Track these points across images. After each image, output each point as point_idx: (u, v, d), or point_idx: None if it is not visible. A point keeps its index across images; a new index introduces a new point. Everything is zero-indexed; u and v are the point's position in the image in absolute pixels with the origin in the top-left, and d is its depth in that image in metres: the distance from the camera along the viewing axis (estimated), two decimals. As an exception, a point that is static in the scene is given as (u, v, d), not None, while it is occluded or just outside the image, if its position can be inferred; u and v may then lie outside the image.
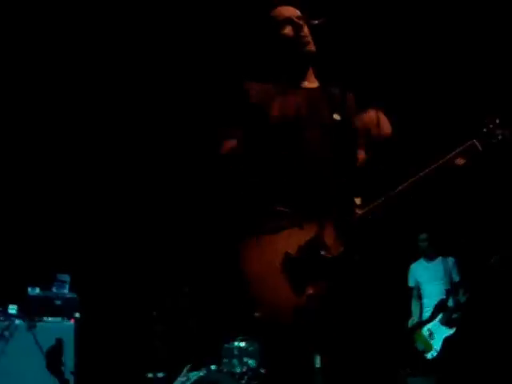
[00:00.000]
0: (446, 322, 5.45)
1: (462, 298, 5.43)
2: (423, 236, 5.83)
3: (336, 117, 2.38)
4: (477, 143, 2.36)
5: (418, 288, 5.89)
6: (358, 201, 2.35)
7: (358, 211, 2.32)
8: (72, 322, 5.33)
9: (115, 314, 6.05)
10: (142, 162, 6.31)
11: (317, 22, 2.41)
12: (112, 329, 6.00)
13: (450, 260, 5.72)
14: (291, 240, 2.20)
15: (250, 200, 2.32)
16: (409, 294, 5.98)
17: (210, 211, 5.43)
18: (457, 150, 2.37)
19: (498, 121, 2.41)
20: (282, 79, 2.48)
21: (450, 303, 5.52)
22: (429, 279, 5.76)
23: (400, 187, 2.32)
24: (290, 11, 2.52)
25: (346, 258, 2.21)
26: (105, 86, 5.81)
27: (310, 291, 2.17)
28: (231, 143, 2.37)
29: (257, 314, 2.17)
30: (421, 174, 2.33)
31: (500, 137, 2.38)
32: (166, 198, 6.33)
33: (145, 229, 6.28)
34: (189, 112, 6.04)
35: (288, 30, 2.46)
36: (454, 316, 5.45)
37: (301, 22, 2.45)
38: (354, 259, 2.24)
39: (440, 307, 5.55)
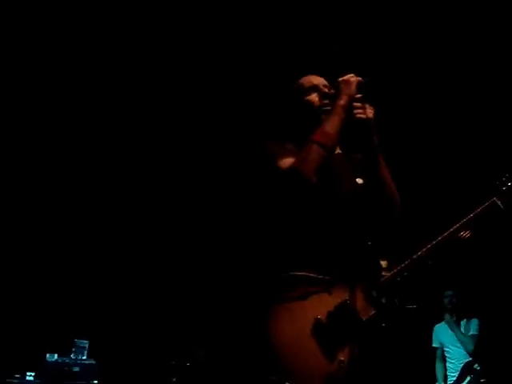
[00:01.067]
0: (474, 386, 5.29)
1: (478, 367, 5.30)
2: (449, 293, 5.70)
3: (359, 181, 2.40)
4: (497, 202, 2.36)
5: (442, 349, 5.74)
6: (384, 263, 2.34)
7: (385, 274, 2.30)
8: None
9: (134, 382, 5.94)
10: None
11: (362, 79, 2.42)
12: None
13: (474, 321, 5.58)
14: (320, 306, 2.18)
15: (278, 265, 2.30)
16: (433, 356, 5.84)
17: (237, 272, 5.39)
18: (479, 209, 2.37)
19: None
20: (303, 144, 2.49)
21: (478, 366, 5.37)
22: (454, 341, 5.61)
23: (425, 248, 2.31)
24: (318, 80, 2.58)
25: (375, 322, 2.18)
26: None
27: (342, 357, 2.12)
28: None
29: (287, 383, 2.12)
30: (444, 234, 2.33)
31: None
32: (185, 258, 6.30)
33: (162, 293, 6.23)
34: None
35: (313, 97, 2.51)
36: (483, 380, 5.28)
37: (327, 91, 2.49)
38: (381, 325, 2.20)
39: (466, 370, 5.39)
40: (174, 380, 5.52)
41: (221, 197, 6.06)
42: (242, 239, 5.75)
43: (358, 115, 2.36)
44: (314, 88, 2.53)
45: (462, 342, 5.46)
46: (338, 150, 2.57)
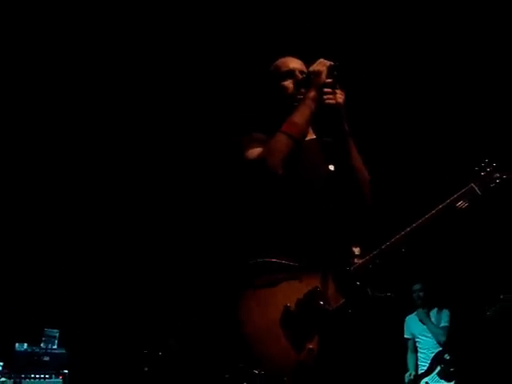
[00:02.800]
0: (444, 376, 5.34)
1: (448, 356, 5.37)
2: (417, 286, 5.75)
3: (331, 167, 2.38)
4: (475, 187, 2.35)
5: (413, 340, 5.79)
6: (356, 250, 2.33)
7: (358, 261, 2.29)
8: (60, 378, 5.16)
9: (105, 371, 5.89)
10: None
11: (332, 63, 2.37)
12: (101, 386, 5.83)
13: (445, 312, 5.63)
14: (290, 293, 2.16)
15: (249, 251, 2.27)
16: (405, 347, 5.88)
17: (206, 260, 5.35)
18: (455, 195, 2.36)
19: (495, 164, 2.41)
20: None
21: (447, 356, 5.42)
22: (424, 331, 5.66)
23: (399, 235, 2.30)
24: (295, 64, 2.52)
25: (345, 309, 2.17)
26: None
27: (310, 346, 2.11)
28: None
29: (255, 372, 2.10)
30: (420, 220, 2.31)
31: (498, 180, 2.38)
32: (155, 244, 6.24)
33: (133, 282, 6.17)
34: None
35: (288, 83, 2.47)
36: (452, 369, 5.34)
37: (302, 77, 2.44)
38: (349, 312, 2.18)
39: (437, 360, 5.44)
40: (146, 369, 5.48)
41: (195, 185, 6.01)
42: (213, 225, 5.72)
43: (328, 101, 2.32)
44: (290, 73, 2.47)
45: (433, 334, 5.52)
46: (312, 136, 2.54)
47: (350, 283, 2.19)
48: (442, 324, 5.55)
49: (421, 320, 5.65)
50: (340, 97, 2.33)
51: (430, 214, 2.31)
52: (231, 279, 2.27)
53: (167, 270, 6.16)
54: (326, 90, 2.32)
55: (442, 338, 5.47)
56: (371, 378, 2.49)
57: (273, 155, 2.22)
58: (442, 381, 5.35)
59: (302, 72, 2.47)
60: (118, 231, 6.19)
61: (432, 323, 5.56)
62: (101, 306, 6.05)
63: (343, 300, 2.17)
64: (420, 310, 5.66)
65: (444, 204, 2.32)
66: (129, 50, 5.33)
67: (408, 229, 2.30)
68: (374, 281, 2.26)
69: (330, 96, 2.32)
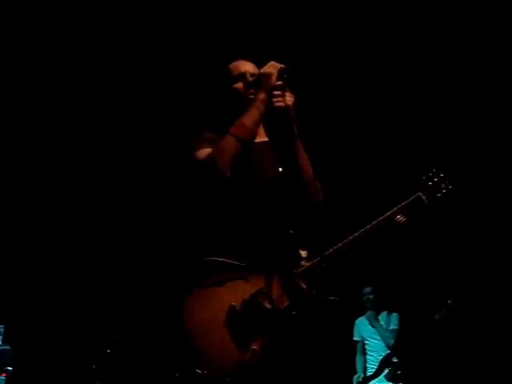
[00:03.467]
0: (392, 378, 5.41)
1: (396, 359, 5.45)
2: (367, 289, 5.81)
3: (280, 169, 2.38)
4: (422, 196, 2.38)
5: (362, 343, 5.85)
6: (304, 253, 2.33)
7: (305, 263, 2.29)
8: (4, 376, 5.04)
9: (51, 368, 5.78)
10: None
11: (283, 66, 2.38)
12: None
13: (394, 315, 5.70)
14: (236, 293, 2.16)
15: (196, 250, 2.26)
16: (354, 349, 5.94)
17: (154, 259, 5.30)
18: (402, 204, 2.39)
19: (442, 174, 2.45)
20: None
21: (395, 359, 5.50)
22: (373, 334, 5.73)
23: (345, 240, 2.32)
24: (246, 67, 2.53)
25: (288, 312, 2.17)
26: None
27: (255, 346, 2.10)
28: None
29: (198, 371, 2.08)
30: (363, 229, 2.34)
31: (445, 190, 2.41)
32: (101, 240, 6.13)
33: (79, 277, 6.07)
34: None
35: (239, 85, 2.47)
36: (400, 372, 5.41)
37: (253, 79, 2.44)
38: (293, 314, 2.18)
39: (385, 363, 5.51)
40: (94, 366, 5.40)
41: (147, 183, 5.95)
42: (165, 223, 5.67)
43: (277, 103, 2.34)
44: (241, 76, 2.48)
45: (382, 337, 5.59)
46: (264, 138, 2.54)
47: (295, 285, 2.20)
48: (392, 327, 5.62)
49: (370, 323, 5.72)
50: (289, 99, 2.35)
51: (376, 221, 2.34)
52: (179, 277, 2.26)
53: (116, 265, 6.08)
54: (275, 92, 2.32)
55: (391, 341, 5.54)
56: (317, 379, 2.50)
57: (221, 156, 2.24)
58: (390, 383, 5.42)
59: (253, 75, 2.48)
60: (66, 225, 6.08)
61: (381, 326, 5.64)
62: (47, 302, 5.94)
63: (288, 302, 2.17)
64: (369, 313, 5.73)
65: (388, 214, 2.35)
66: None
67: (355, 234, 2.32)
68: (320, 284, 2.27)
69: (280, 98, 2.33)
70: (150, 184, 5.68)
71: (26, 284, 5.92)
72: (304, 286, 2.21)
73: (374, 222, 2.35)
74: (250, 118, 2.31)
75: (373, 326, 5.69)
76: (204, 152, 2.32)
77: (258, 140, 2.47)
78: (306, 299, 2.20)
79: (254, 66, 2.55)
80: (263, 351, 2.10)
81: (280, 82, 2.33)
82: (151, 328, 5.27)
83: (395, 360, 5.48)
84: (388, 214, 2.37)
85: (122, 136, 5.82)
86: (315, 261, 2.28)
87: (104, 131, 5.80)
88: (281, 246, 2.26)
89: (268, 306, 2.13)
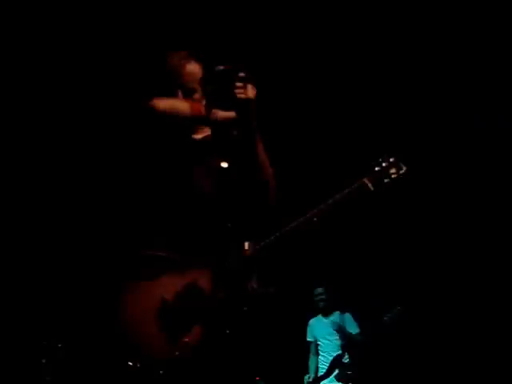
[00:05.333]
0: (341, 378, 5.46)
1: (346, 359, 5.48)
2: (319, 290, 5.85)
3: (223, 164, 2.39)
4: (367, 182, 2.28)
5: (315, 343, 5.89)
6: (247, 245, 2.31)
7: (245, 256, 2.27)
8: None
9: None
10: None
11: (222, 67, 2.33)
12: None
13: (347, 315, 5.75)
14: (169, 286, 2.15)
15: (131, 243, 2.26)
16: (307, 350, 5.98)
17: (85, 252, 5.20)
18: (345, 190, 2.28)
19: (392, 159, 2.33)
20: None
21: (346, 359, 5.55)
22: (325, 335, 5.77)
23: (284, 230, 2.27)
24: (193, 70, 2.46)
25: (222, 304, 2.17)
26: None
27: (187, 339, 2.11)
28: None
29: (130, 364, 2.09)
30: (304, 217, 2.26)
31: (394, 176, 2.30)
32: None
33: (26, 270, 5.94)
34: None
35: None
36: (349, 372, 5.47)
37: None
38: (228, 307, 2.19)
39: (335, 363, 5.56)
40: (44, 361, 5.33)
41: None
42: (98, 215, 5.54)
43: (239, 95, 2.26)
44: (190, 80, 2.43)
45: (355, 342, 5.55)
46: (208, 132, 2.53)
47: (231, 278, 2.20)
48: (356, 331, 5.62)
49: (341, 333, 5.65)
50: (252, 92, 2.27)
51: (317, 209, 2.25)
52: (114, 270, 2.25)
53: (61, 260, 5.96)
54: (237, 84, 2.26)
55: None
56: (253, 374, 2.50)
57: (164, 102, 2.28)
58: (340, 383, 5.48)
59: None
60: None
61: (352, 334, 5.59)
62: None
63: (222, 294, 2.17)
64: (335, 322, 5.69)
65: (333, 199, 2.25)
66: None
67: (295, 222, 2.25)
68: (257, 276, 2.27)
69: (242, 90, 2.27)
70: (86, 171, 5.55)
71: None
72: (241, 278, 2.21)
73: (314, 210, 2.26)
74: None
75: (344, 336, 5.63)
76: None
77: (199, 136, 2.47)
78: (242, 291, 2.20)
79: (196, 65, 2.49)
80: (195, 344, 2.10)
81: (243, 74, 2.27)
82: (88, 322, 5.19)
83: (345, 360, 5.54)
84: (329, 201, 2.26)
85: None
86: (254, 251, 2.25)
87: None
88: (218, 239, 2.26)
89: (201, 298, 2.14)
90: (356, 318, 5.73)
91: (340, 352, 5.58)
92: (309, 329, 5.97)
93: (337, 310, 5.81)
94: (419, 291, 5.97)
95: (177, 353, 2.08)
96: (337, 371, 5.52)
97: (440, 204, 6.17)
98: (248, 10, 5.07)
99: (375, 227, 6.11)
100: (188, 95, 2.40)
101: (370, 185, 2.27)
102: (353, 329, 5.62)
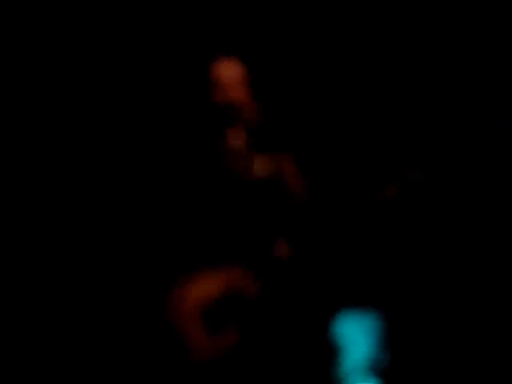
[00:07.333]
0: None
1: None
2: None
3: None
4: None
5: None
6: (283, 245, 2.32)
7: (283, 254, 2.27)
8: None
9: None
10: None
11: None
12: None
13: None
14: (210, 285, 2.14)
15: (172, 245, 2.23)
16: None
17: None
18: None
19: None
20: None
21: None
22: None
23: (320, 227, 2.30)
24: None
25: (264, 303, 2.17)
26: None
27: (229, 338, 2.10)
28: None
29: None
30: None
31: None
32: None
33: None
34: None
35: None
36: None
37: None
38: (270, 306, 2.18)
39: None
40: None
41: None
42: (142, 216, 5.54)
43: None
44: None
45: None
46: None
47: (272, 277, 2.19)
48: None
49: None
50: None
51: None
52: (159, 271, 2.22)
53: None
54: None
55: None
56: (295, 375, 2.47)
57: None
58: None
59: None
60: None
61: None
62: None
63: (264, 293, 2.17)
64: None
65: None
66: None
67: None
68: (297, 275, 2.26)
69: None
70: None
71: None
72: (281, 278, 2.21)
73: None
74: None
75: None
76: None
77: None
78: (283, 291, 2.20)
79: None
80: (239, 343, 2.09)
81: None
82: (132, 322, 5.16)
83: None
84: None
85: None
86: (291, 251, 2.26)
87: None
88: (257, 237, 2.25)
89: (244, 297, 2.13)
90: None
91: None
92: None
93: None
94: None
95: (220, 354, 2.07)
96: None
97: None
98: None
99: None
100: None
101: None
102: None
